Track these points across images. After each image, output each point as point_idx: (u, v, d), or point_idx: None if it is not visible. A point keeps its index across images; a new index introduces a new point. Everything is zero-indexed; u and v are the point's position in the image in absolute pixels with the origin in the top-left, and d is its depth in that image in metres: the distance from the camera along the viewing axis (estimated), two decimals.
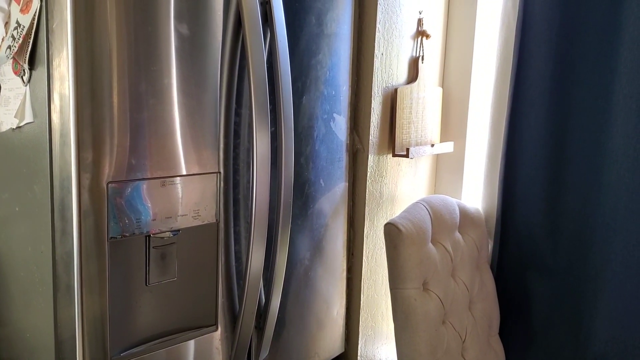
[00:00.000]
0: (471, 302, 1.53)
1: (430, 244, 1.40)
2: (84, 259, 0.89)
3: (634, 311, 1.45)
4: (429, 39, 1.63)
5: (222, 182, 1.07)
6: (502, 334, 1.64)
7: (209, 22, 1.01)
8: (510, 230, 1.65)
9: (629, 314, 1.45)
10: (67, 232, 0.89)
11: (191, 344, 1.06)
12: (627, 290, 1.45)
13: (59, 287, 0.91)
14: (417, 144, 1.62)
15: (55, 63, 0.87)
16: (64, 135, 0.87)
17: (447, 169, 1.81)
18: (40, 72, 0.90)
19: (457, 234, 1.53)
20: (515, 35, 1.56)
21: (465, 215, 1.58)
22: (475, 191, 1.79)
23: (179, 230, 1.00)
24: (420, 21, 1.59)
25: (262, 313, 1.18)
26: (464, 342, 1.47)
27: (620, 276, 1.46)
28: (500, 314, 1.63)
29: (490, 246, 1.68)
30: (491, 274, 1.63)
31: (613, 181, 1.45)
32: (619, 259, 1.45)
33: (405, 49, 1.55)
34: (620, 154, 1.43)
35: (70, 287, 0.90)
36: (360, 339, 1.52)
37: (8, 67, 0.97)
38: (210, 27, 1.01)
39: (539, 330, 1.62)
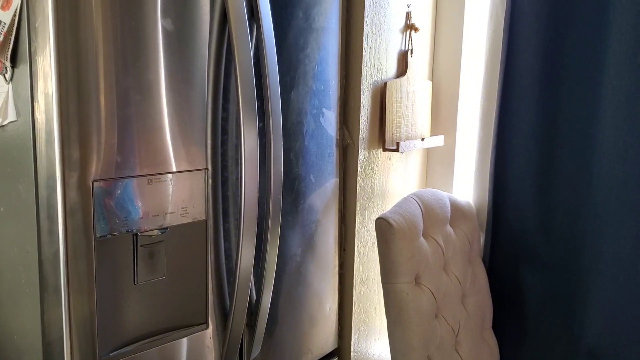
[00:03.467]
0: (464, 296, 1.53)
1: (422, 238, 1.40)
2: (71, 259, 0.88)
3: (626, 303, 1.45)
4: (418, 33, 1.63)
5: (210, 179, 1.06)
6: (495, 327, 1.64)
7: (195, 17, 1.00)
8: (502, 223, 1.65)
9: (621, 306, 1.46)
10: (53, 232, 0.88)
11: (182, 342, 1.06)
12: (619, 282, 1.45)
13: (46, 287, 0.90)
14: (407, 138, 1.61)
15: (38, 60, 0.86)
16: (48, 133, 0.86)
17: (437, 163, 1.80)
18: (23, 69, 0.89)
19: (449, 228, 1.53)
20: (504, 28, 1.56)
21: (457, 209, 1.57)
22: (466, 184, 1.79)
23: (167, 228, 0.99)
24: (408, 14, 1.59)
25: (253, 310, 1.18)
26: (457, 336, 1.47)
27: (612, 268, 1.46)
28: (493, 307, 1.64)
29: (482, 239, 1.68)
30: (483, 267, 1.63)
31: (604, 173, 1.45)
32: (611, 250, 1.45)
33: (394, 43, 1.54)
34: (610, 146, 1.43)
35: (57, 288, 0.89)
36: (353, 334, 1.51)
37: None
38: (196, 22, 1.00)
39: (532, 323, 1.62)
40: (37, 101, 0.87)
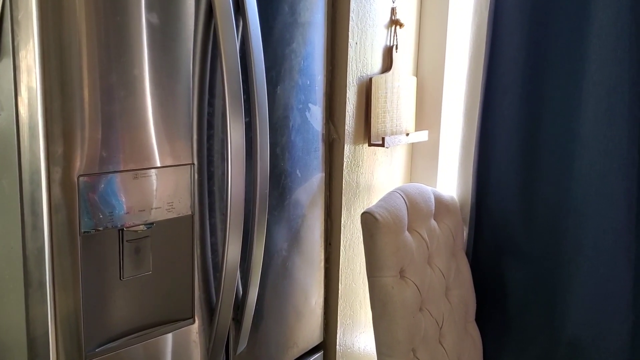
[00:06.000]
0: (447, 289, 1.55)
1: (407, 232, 1.41)
2: (56, 254, 0.87)
3: (606, 295, 1.48)
4: (403, 28, 1.63)
5: (196, 174, 1.05)
6: (478, 319, 1.66)
7: (180, 12, 0.99)
8: (485, 217, 1.66)
9: (601, 297, 1.48)
10: (37, 227, 0.87)
11: (168, 337, 1.06)
12: (599, 274, 1.48)
13: (31, 283, 0.90)
14: (392, 133, 1.62)
15: (21, 54, 0.85)
16: (32, 128, 0.85)
17: (422, 158, 1.82)
18: (6, 63, 0.87)
19: (433, 222, 1.54)
20: (488, 23, 1.57)
21: (441, 203, 1.59)
22: (450, 179, 1.81)
23: (152, 224, 0.99)
24: (393, 10, 1.59)
25: (239, 305, 1.18)
26: (441, 328, 1.48)
27: (592, 260, 1.48)
28: (477, 300, 1.65)
29: (465, 233, 1.70)
30: (467, 261, 1.65)
31: (584, 167, 1.47)
32: (591, 243, 1.48)
33: (379, 38, 1.55)
34: (591, 140, 1.45)
35: (42, 283, 0.88)
36: (338, 328, 1.52)
37: None
38: (181, 16, 1.00)
39: (514, 316, 1.64)
40: (21, 95, 0.86)
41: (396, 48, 1.61)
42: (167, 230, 1.02)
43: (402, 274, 1.37)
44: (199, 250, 1.09)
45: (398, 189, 1.49)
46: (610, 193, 1.44)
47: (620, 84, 1.40)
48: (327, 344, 1.54)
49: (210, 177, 1.10)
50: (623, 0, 1.37)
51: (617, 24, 1.39)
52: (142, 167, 0.96)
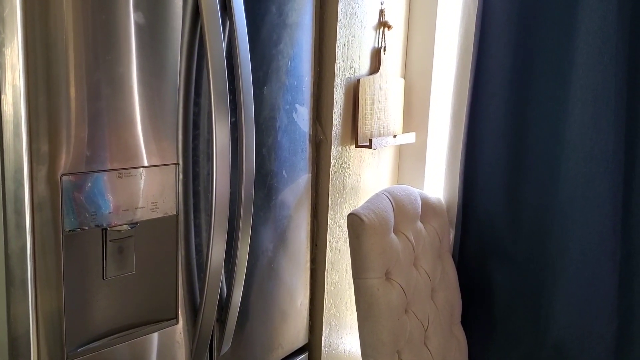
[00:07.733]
0: (433, 291, 1.55)
1: (393, 234, 1.41)
2: (39, 253, 0.87)
3: (591, 298, 1.49)
4: (391, 30, 1.64)
5: (181, 174, 1.05)
6: (464, 322, 1.67)
7: (167, 11, 0.99)
8: (472, 219, 1.67)
9: (586, 300, 1.50)
10: (20, 226, 0.86)
11: (152, 337, 1.05)
12: (584, 277, 1.49)
13: (13, 282, 0.89)
14: (379, 135, 1.62)
15: (5, 52, 0.84)
16: (16, 126, 0.84)
17: (409, 160, 1.82)
18: None
19: (419, 224, 1.55)
20: (476, 27, 1.58)
21: (427, 205, 1.59)
22: (437, 181, 1.81)
23: (136, 223, 0.99)
24: (382, 12, 1.60)
25: (224, 306, 1.18)
26: (426, 330, 1.49)
27: (577, 264, 1.49)
28: (462, 302, 1.66)
29: (451, 235, 1.70)
30: (453, 263, 1.65)
31: (570, 170, 1.48)
32: (577, 246, 1.49)
33: (367, 40, 1.55)
34: (577, 144, 1.46)
35: (24, 282, 0.87)
36: (324, 329, 1.52)
37: None
38: (168, 15, 0.99)
39: (500, 318, 1.65)
40: (5, 93, 0.85)
41: (384, 50, 1.61)
42: (151, 230, 1.02)
43: (387, 275, 1.37)
44: (183, 251, 1.09)
45: (385, 190, 1.49)
46: (595, 196, 1.45)
47: (606, 88, 1.41)
48: (312, 345, 1.54)
49: (195, 177, 1.09)
50: (610, 6, 1.38)
51: (603, 28, 1.40)
52: (126, 167, 0.96)
